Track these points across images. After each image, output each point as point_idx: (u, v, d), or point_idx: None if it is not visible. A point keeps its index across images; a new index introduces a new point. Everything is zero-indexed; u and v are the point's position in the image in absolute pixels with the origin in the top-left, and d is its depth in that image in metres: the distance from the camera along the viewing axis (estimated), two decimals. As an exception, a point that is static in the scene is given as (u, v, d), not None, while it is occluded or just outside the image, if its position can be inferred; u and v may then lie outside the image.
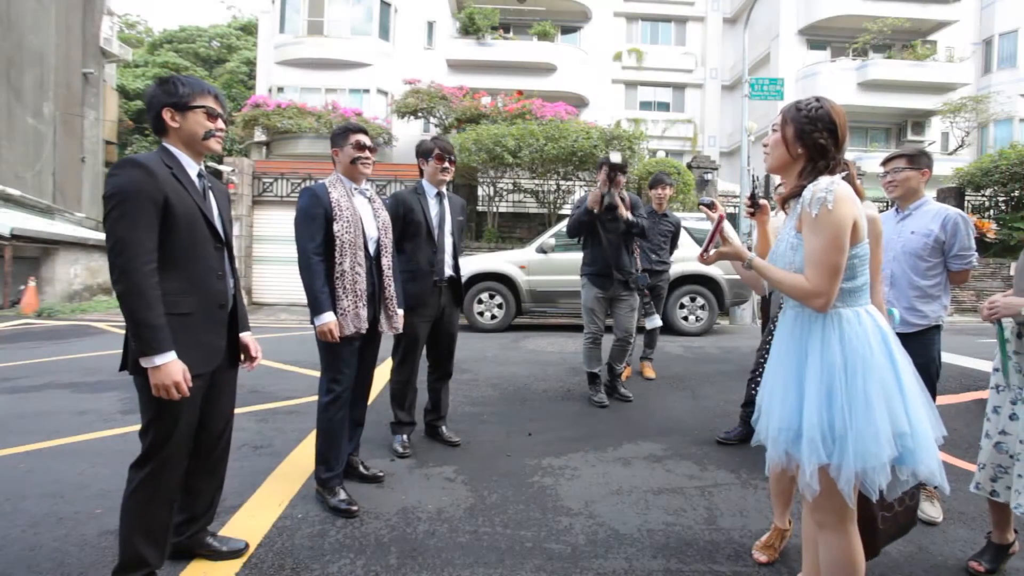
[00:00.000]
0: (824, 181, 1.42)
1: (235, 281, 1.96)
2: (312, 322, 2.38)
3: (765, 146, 1.61)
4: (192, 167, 1.81)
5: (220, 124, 1.83)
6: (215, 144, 1.83)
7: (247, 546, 2.04)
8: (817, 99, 1.50)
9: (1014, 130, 18.21)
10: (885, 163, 2.62)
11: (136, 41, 29.81)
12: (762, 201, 1.87)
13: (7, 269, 10.76)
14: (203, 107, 1.77)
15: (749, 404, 3.22)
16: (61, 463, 2.88)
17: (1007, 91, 18.21)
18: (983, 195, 12.47)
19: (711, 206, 1.83)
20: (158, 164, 1.69)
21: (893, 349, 1.44)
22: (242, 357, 2.06)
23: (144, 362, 1.61)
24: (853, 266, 1.46)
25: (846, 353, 1.42)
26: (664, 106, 21.66)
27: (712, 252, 1.70)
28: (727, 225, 1.68)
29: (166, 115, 1.75)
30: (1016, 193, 11.99)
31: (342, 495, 2.39)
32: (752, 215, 1.88)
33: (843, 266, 1.40)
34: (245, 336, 2.04)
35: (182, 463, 1.80)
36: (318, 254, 2.36)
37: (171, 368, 1.62)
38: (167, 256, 1.68)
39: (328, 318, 2.33)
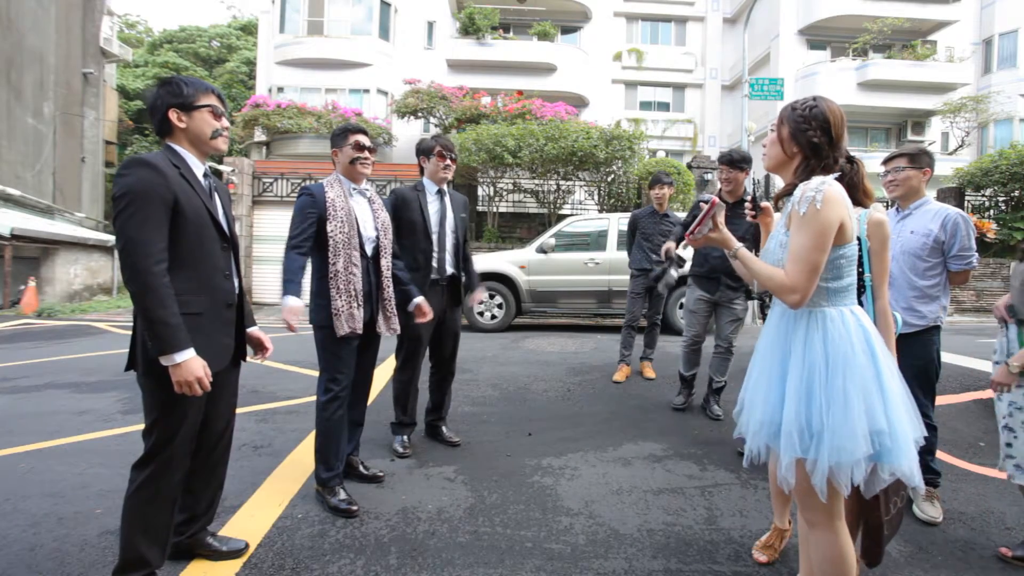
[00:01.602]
0: (815, 181, 1.44)
1: (240, 280, 1.98)
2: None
3: (764, 146, 1.62)
4: (198, 167, 1.82)
5: (225, 123, 1.84)
6: (222, 144, 1.84)
7: (247, 546, 2.05)
8: (814, 98, 1.52)
9: (1014, 130, 18.20)
10: (886, 162, 2.61)
11: (136, 41, 29.79)
12: (764, 203, 1.87)
13: (7, 269, 10.77)
14: (208, 106, 1.78)
15: None
16: (61, 463, 2.88)
17: (1007, 91, 18.21)
18: (983, 195, 12.47)
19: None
20: (167, 164, 1.69)
21: (876, 349, 1.46)
22: (250, 352, 2.08)
23: (164, 360, 1.61)
24: (840, 266, 1.47)
25: (828, 351, 1.44)
26: (664, 106, 21.64)
27: (699, 235, 1.66)
28: (720, 213, 1.65)
29: (172, 116, 1.74)
30: (1016, 193, 11.99)
31: (342, 495, 2.39)
32: (755, 217, 1.88)
33: (822, 266, 1.42)
34: (254, 330, 2.07)
35: (184, 463, 1.80)
36: (297, 248, 2.37)
37: (192, 364, 1.63)
38: (176, 256, 1.69)
39: (288, 302, 2.29)
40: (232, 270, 1.89)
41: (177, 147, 1.78)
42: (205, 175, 1.84)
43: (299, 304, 2.31)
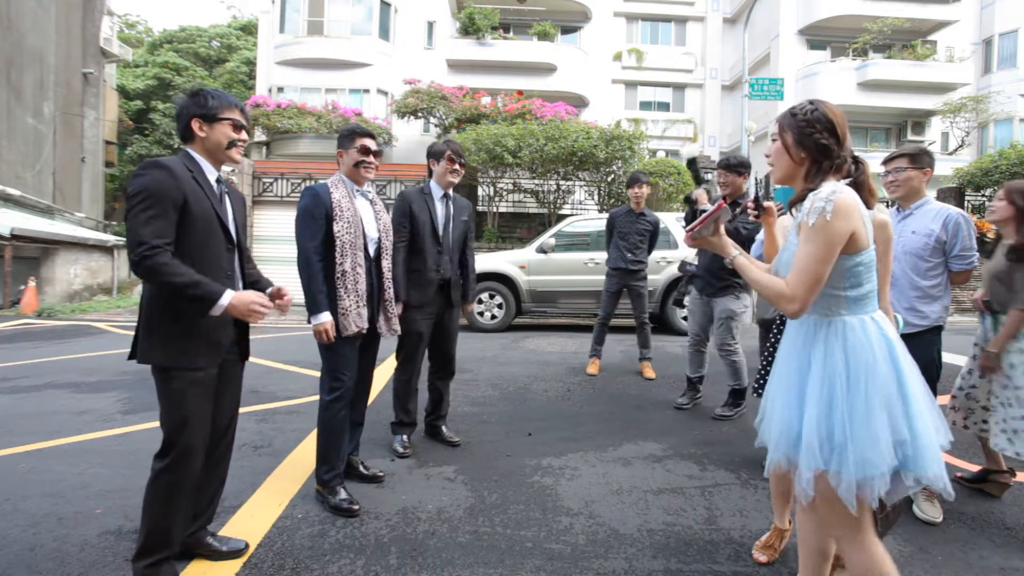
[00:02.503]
0: (826, 189, 1.39)
1: (244, 278, 2.03)
2: (309, 321, 2.40)
3: (767, 156, 1.59)
4: (212, 173, 1.92)
5: (243, 135, 1.94)
6: (236, 154, 1.94)
7: (247, 546, 2.05)
8: (811, 102, 1.50)
9: (1014, 130, 18.20)
10: (886, 162, 2.61)
11: (136, 41, 29.78)
12: (767, 203, 1.84)
13: (7, 269, 10.77)
14: (230, 119, 1.89)
15: None
16: (61, 463, 2.88)
17: (1007, 91, 18.21)
18: (983, 195, 12.47)
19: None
20: (181, 167, 1.81)
21: (899, 356, 1.42)
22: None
23: (214, 311, 1.72)
24: (858, 273, 1.43)
25: (849, 361, 1.40)
26: (664, 106, 21.64)
27: (699, 234, 1.63)
28: (725, 217, 1.62)
29: (195, 125, 1.86)
30: (1016, 193, 11.98)
31: (343, 494, 2.40)
32: (757, 217, 1.86)
33: (825, 277, 1.39)
34: (271, 289, 2.06)
35: (201, 452, 1.85)
36: (318, 254, 2.38)
37: (241, 298, 1.74)
38: (182, 254, 1.77)
39: (325, 318, 2.34)
40: (235, 272, 1.96)
41: (194, 153, 1.90)
42: (218, 180, 1.94)
43: (331, 319, 2.35)
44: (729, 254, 1.60)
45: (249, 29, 29.34)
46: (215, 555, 1.99)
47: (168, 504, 1.79)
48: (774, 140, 1.55)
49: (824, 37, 19.68)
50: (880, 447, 1.33)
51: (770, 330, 2.97)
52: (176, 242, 1.75)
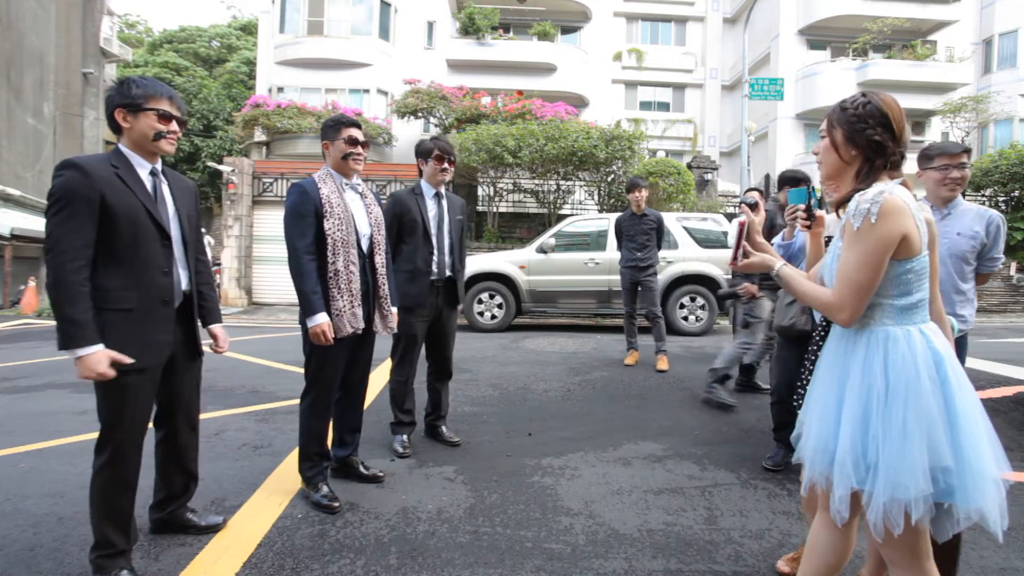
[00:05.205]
0: (873, 190, 1.29)
1: (191, 276, 1.99)
2: (301, 322, 2.34)
3: (816, 154, 1.49)
4: (143, 166, 1.86)
5: (174, 126, 1.86)
6: (166, 145, 1.86)
7: (224, 522, 2.17)
8: (864, 94, 1.37)
9: (1014, 130, 18.20)
10: (952, 157, 2.38)
11: (136, 41, 29.77)
12: (818, 212, 1.77)
13: (7, 269, 10.77)
14: (155, 109, 1.80)
15: (779, 428, 2.99)
16: (61, 463, 2.88)
17: (1007, 91, 18.21)
18: (983, 195, 12.47)
19: (753, 207, 1.75)
20: (101, 165, 1.75)
21: (948, 375, 1.29)
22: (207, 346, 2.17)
23: (68, 354, 1.66)
24: (907, 281, 1.32)
25: (889, 376, 1.29)
26: (664, 106, 21.66)
27: (741, 262, 1.59)
28: (753, 227, 1.57)
29: (118, 116, 1.80)
30: (1016, 193, 11.99)
31: (324, 490, 2.40)
32: (808, 227, 1.78)
33: (874, 285, 1.29)
34: (214, 328, 2.15)
35: (137, 451, 1.86)
36: (309, 253, 2.31)
37: (92, 360, 1.67)
38: (109, 253, 1.74)
39: (321, 319, 2.27)
40: (173, 267, 1.90)
41: (123, 147, 1.84)
42: (152, 173, 1.88)
43: (328, 320, 2.30)
44: (773, 267, 1.53)
45: (249, 29, 29.33)
46: (193, 529, 2.12)
47: (110, 500, 1.78)
48: (822, 136, 1.45)
49: (824, 37, 19.69)
50: (916, 471, 1.22)
51: (787, 338, 2.92)
52: (105, 244, 1.72)
